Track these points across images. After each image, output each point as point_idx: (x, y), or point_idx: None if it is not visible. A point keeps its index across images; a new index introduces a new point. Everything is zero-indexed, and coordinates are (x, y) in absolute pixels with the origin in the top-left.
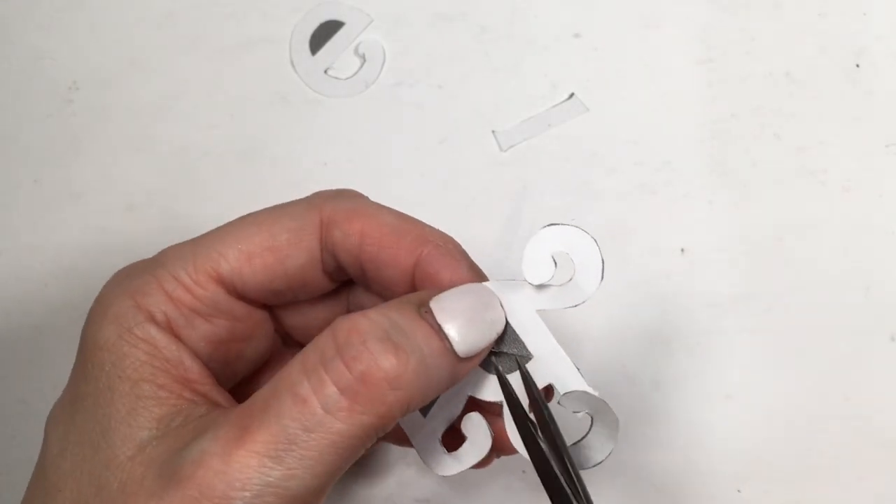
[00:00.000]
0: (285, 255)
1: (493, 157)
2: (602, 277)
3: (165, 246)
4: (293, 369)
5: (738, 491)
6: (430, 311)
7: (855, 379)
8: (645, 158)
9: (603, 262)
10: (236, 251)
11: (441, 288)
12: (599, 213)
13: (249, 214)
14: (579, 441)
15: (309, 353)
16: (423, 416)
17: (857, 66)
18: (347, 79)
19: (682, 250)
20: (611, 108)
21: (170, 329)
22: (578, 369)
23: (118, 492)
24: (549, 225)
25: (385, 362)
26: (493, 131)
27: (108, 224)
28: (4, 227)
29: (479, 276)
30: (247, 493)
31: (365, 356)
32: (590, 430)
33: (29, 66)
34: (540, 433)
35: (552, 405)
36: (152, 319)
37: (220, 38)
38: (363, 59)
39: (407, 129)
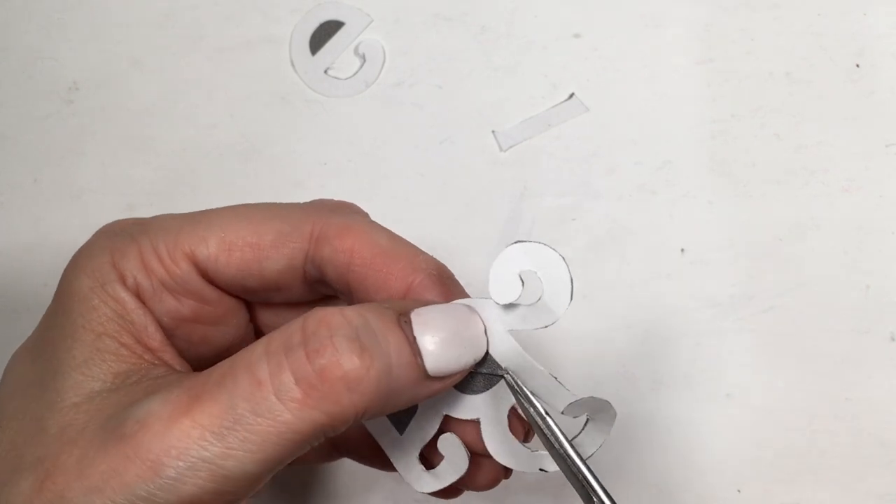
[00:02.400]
0: (265, 256)
1: (493, 157)
2: (571, 297)
3: None
4: (256, 349)
5: (738, 491)
6: (409, 322)
7: (855, 379)
8: (645, 158)
9: (572, 282)
10: (219, 238)
11: None
12: (599, 213)
13: (247, 205)
14: (573, 439)
15: (275, 337)
16: (400, 434)
17: (857, 66)
18: (347, 79)
19: (682, 250)
20: (611, 108)
21: (137, 295)
22: (556, 378)
23: (55, 436)
24: (515, 242)
25: (347, 362)
26: (493, 131)
27: None
28: (4, 227)
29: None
30: (181, 463)
31: (328, 351)
32: (584, 428)
33: (29, 66)
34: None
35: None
36: (123, 281)
37: (220, 38)
38: (363, 59)
39: (407, 129)
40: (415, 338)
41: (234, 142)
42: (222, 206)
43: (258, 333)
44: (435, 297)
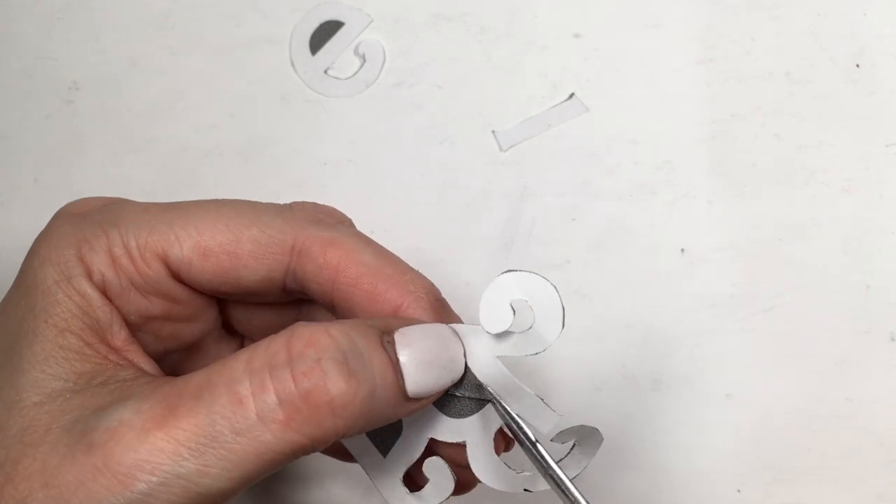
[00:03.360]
0: (243, 265)
1: (493, 157)
2: (563, 325)
3: None
4: (237, 364)
5: (738, 491)
6: (392, 343)
7: (855, 379)
8: (645, 158)
9: (564, 311)
10: (193, 241)
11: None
12: (599, 213)
13: (225, 204)
14: (560, 460)
15: (258, 353)
16: (383, 455)
17: (857, 66)
18: (347, 79)
19: (682, 250)
20: (611, 108)
21: (104, 292)
22: (542, 399)
23: (16, 437)
24: (507, 271)
25: (334, 387)
26: (493, 131)
27: None
28: (4, 227)
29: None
30: (153, 479)
31: (316, 374)
32: (570, 451)
33: (29, 66)
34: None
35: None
36: (89, 277)
37: (220, 38)
38: (363, 59)
39: (407, 129)
40: (398, 359)
41: (234, 142)
42: (204, 199)
43: (226, 326)
44: (425, 321)
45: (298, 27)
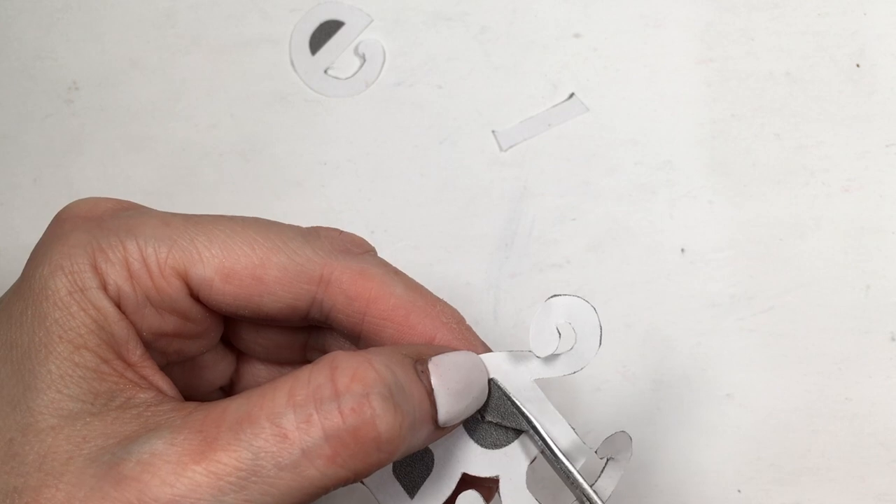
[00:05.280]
0: (267, 291)
1: (493, 157)
2: (600, 344)
3: None
4: (278, 396)
5: (739, 491)
6: (426, 372)
7: (855, 379)
8: (645, 158)
9: (601, 330)
10: (217, 262)
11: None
12: (599, 213)
13: (249, 224)
14: (594, 483)
15: (300, 384)
16: (411, 496)
17: (858, 66)
18: (347, 79)
19: (682, 250)
20: (611, 108)
21: (119, 306)
22: (574, 429)
23: (34, 465)
24: (553, 297)
25: (382, 424)
26: (493, 131)
27: None
28: (4, 227)
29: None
30: None
31: (365, 410)
32: (604, 469)
33: (29, 66)
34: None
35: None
36: (105, 289)
37: (220, 38)
38: (363, 59)
39: (407, 129)
40: (432, 389)
41: (234, 142)
42: (222, 207)
43: (223, 339)
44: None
45: (298, 27)
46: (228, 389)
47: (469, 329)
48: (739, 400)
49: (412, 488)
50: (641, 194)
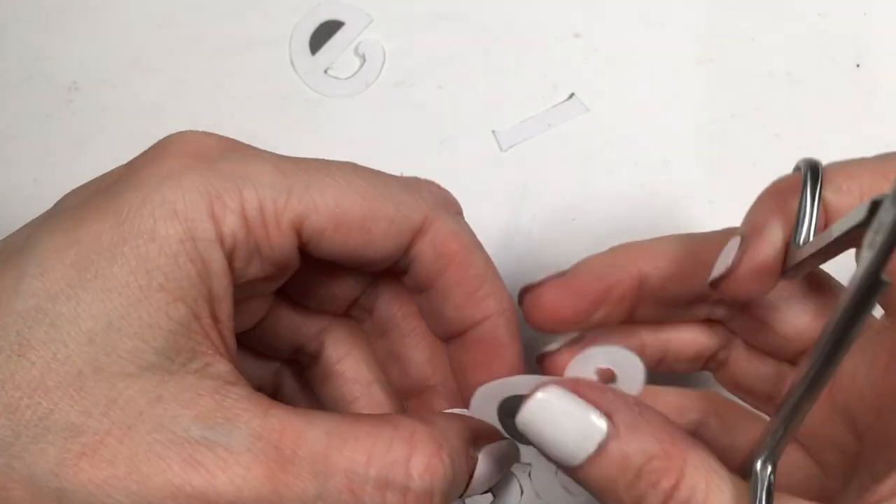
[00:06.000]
0: (372, 241)
1: (493, 157)
2: (644, 384)
3: None
4: (357, 453)
5: None
6: (475, 459)
7: None
8: (645, 158)
9: (645, 373)
10: (330, 212)
11: (482, 375)
12: (599, 213)
13: (351, 169)
14: None
15: (378, 451)
16: None
17: (858, 66)
18: (347, 79)
19: None
20: (611, 108)
21: (230, 258)
22: None
23: (101, 407)
24: (593, 346)
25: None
26: (493, 131)
27: None
28: (4, 227)
29: (522, 363)
30: None
31: (424, 501)
32: None
33: (29, 66)
34: None
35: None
36: (221, 240)
37: (220, 38)
38: (363, 59)
39: (407, 129)
40: (475, 468)
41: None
42: (332, 160)
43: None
44: (503, 341)
45: (298, 27)
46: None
47: (518, 326)
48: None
49: None
50: (641, 194)
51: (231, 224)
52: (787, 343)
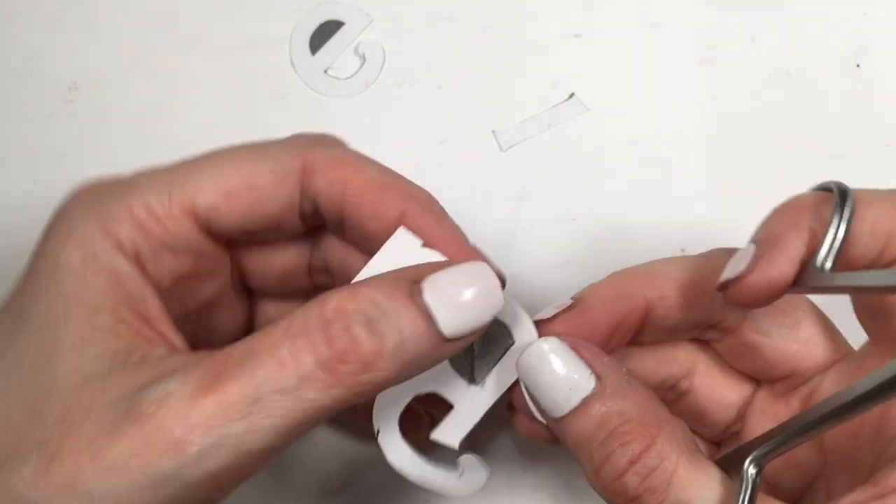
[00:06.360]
0: (265, 197)
1: (493, 157)
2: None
3: None
4: (276, 331)
5: None
6: (421, 292)
7: None
8: (645, 158)
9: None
10: (215, 187)
11: (428, 243)
12: (599, 213)
13: (227, 149)
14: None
15: (295, 320)
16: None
17: (858, 66)
18: (347, 79)
19: (683, 250)
20: (611, 108)
21: (137, 260)
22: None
23: (57, 419)
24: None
25: (363, 346)
26: (493, 131)
27: None
28: (4, 227)
29: (461, 235)
30: (206, 440)
31: (345, 337)
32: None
33: (29, 66)
34: None
35: None
36: (120, 248)
37: (220, 38)
38: (363, 59)
39: (407, 129)
40: (427, 306)
41: (234, 142)
42: (206, 152)
43: (238, 285)
44: (428, 224)
45: (298, 27)
46: None
47: (442, 210)
48: None
49: (473, 377)
50: (641, 194)
51: (124, 230)
52: (771, 369)
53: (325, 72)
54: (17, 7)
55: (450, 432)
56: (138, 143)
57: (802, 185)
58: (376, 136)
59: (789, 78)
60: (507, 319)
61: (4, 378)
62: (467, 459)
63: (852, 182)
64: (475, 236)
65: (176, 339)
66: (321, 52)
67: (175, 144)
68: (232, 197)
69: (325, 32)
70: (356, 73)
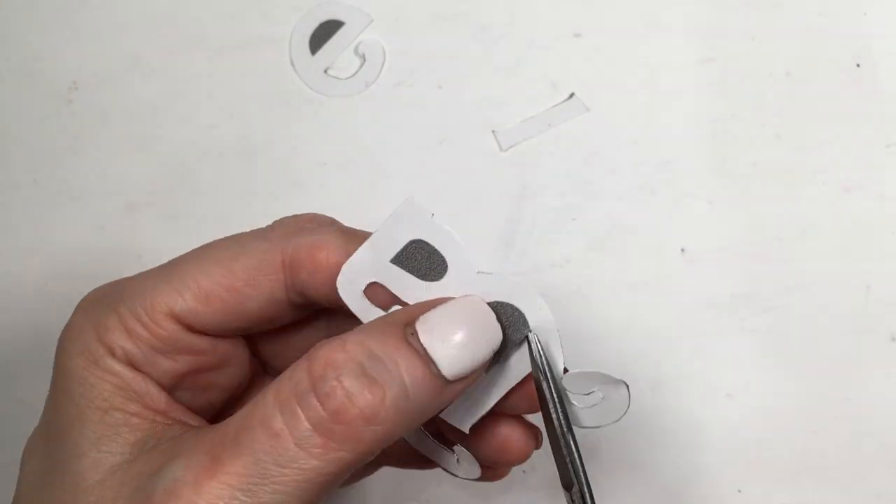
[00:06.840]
0: (244, 297)
1: (493, 157)
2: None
3: (164, 246)
4: (267, 400)
5: (739, 491)
6: (415, 333)
7: (855, 379)
8: (645, 158)
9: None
10: (194, 289)
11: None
12: (599, 213)
13: (213, 245)
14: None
15: (283, 384)
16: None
17: (858, 65)
18: (347, 79)
19: (683, 250)
20: (611, 108)
21: (131, 365)
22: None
23: None
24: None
25: (360, 399)
26: (493, 131)
27: (108, 224)
28: (4, 227)
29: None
30: None
31: (339, 393)
32: (594, 405)
33: (29, 66)
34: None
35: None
36: (113, 355)
37: (220, 38)
38: (363, 58)
39: (407, 129)
40: (425, 349)
41: (234, 142)
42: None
43: (264, 365)
44: (334, 259)
45: (298, 27)
46: None
47: (346, 229)
48: (739, 400)
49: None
50: (641, 194)
51: (115, 339)
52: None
53: (325, 72)
54: (17, 7)
55: (461, 416)
56: (138, 143)
57: (802, 184)
58: (376, 136)
59: (789, 78)
60: (521, 305)
61: (42, 487)
62: (461, 451)
63: (852, 182)
64: (475, 236)
65: (193, 420)
66: (321, 52)
67: (175, 144)
68: (211, 298)
69: (325, 32)
70: (356, 73)
